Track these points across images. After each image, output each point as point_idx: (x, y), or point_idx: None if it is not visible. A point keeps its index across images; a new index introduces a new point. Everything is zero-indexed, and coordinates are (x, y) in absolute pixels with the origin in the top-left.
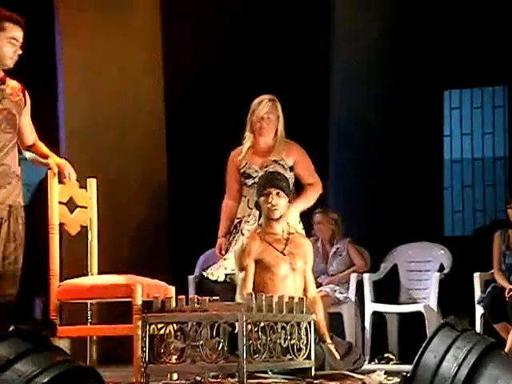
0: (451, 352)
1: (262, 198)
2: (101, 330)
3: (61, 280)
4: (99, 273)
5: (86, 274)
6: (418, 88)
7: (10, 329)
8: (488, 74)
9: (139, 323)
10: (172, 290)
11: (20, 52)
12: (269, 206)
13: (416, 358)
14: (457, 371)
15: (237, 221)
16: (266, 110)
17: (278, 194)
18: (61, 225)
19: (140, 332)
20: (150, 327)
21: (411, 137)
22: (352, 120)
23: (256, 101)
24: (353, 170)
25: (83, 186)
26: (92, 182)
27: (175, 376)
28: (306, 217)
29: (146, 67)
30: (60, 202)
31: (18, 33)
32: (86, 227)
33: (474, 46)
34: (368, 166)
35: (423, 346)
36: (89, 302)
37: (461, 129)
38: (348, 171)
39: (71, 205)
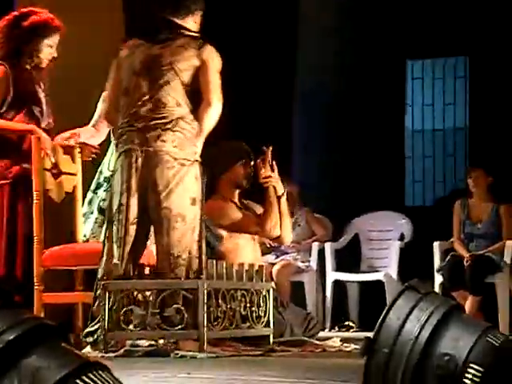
0: (414, 314)
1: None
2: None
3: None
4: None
5: (70, 242)
6: (381, 58)
7: None
8: (450, 44)
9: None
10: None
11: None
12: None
13: (379, 320)
14: (419, 332)
15: None
16: None
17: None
18: (46, 192)
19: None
20: (109, 295)
21: (374, 106)
22: (315, 88)
23: None
24: (314, 140)
25: (68, 153)
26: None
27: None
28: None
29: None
30: (44, 169)
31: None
32: (70, 193)
33: (436, 16)
34: (329, 136)
35: (386, 308)
36: (74, 268)
37: (422, 99)
38: (309, 141)
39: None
